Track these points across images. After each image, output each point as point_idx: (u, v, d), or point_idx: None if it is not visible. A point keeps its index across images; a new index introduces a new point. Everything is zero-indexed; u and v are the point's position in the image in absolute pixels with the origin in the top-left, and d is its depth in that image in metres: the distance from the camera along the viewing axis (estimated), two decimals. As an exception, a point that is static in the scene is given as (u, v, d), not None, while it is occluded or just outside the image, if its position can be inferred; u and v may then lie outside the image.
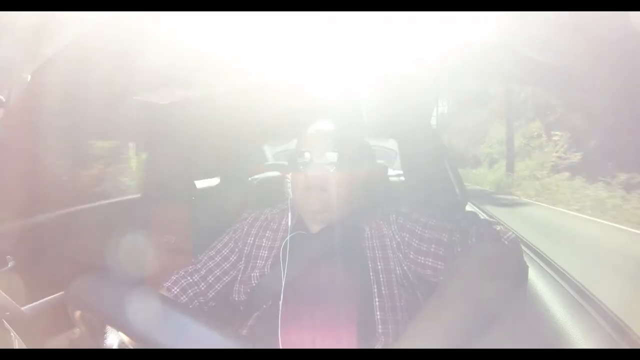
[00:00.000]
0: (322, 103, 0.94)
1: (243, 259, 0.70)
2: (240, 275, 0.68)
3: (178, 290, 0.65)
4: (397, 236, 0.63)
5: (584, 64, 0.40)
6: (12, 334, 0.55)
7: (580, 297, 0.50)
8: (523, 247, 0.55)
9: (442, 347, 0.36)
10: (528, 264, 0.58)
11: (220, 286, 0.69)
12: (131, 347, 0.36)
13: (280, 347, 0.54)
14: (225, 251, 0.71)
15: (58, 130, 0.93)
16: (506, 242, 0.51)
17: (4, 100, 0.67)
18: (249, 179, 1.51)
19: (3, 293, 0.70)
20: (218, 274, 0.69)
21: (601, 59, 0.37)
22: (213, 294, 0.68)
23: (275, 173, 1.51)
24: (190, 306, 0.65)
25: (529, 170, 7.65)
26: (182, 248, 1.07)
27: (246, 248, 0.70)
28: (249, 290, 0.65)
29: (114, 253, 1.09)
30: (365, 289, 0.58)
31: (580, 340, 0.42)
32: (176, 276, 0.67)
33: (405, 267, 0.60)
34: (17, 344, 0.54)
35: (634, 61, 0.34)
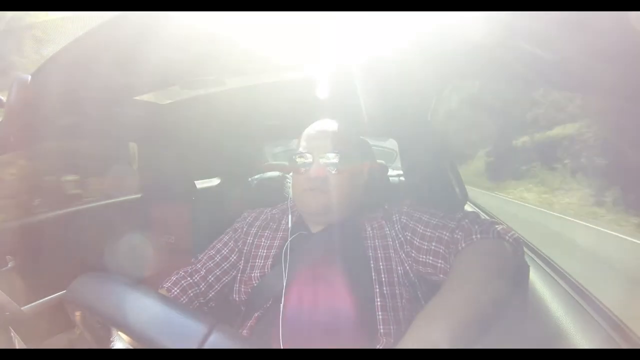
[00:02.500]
0: (322, 103, 0.94)
1: (243, 258, 0.70)
2: (240, 275, 0.68)
3: (178, 290, 0.65)
4: (400, 235, 0.63)
5: (585, 61, 0.40)
6: (12, 334, 0.55)
7: (580, 297, 0.50)
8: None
9: (450, 337, 0.37)
10: (528, 264, 0.58)
11: (220, 286, 0.69)
12: (131, 347, 0.36)
13: (281, 347, 0.54)
14: (225, 251, 0.71)
15: (58, 130, 0.93)
16: (510, 240, 0.51)
17: (4, 100, 0.67)
18: (249, 179, 1.51)
19: (3, 293, 0.70)
20: (218, 273, 0.69)
21: (601, 57, 0.37)
22: (213, 294, 0.68)
23: (276, 173, 1.51)
24: (190, 307, 0.65)
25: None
26: (182, 248, 1.07)
27: (245, 247, 0.70)
28: (249, 290, 0.65)
29: (114, 253, 1.10)
30: (366, 288, 0.58)
31: (580, 340, 0.42)
32: (176, 277, 0.67)
33: (407, 266, 0.60)
34: (17, 344, 0.54)
35: (633, 61, 0.34)
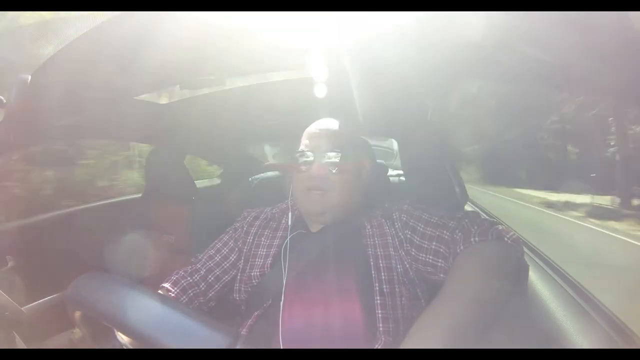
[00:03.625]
0: (323, 103, 0.94)
1: (242, 257, 0.70)
2: (240, 274, 0.68)
3: (178, 290, 0.65)
4: (399, 233, 0.63)
5: (585, 62, 0.40)
6: (12, 334, 0.55)
7: (580, 297, 0.51)
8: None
9: (447, 342, 0.36)
10: (528, 263, 0.58)
11: (220, 285, 0.69)
12: (131, 347, 0.36)
13: (281, 347, 0.54)
14: (225, 250, 0.71)
15: (58, 130, 0.93)
16: (509, 241, 0.51)
17: (4, 100, 0.67)
18: (249, 179, 1.51)
19: (3, 293, 0.70)
20: (218, 273, 0.69)
21: (601, 58, 0.37)
22: (213, 293, 0.68)
23: (276, 173, 1.51)
24: (190, 306, 0.65)
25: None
26: (182, 248, 1.07)
27: (245, 247, 0.70)
28: (249, 289, 0.65)
29: (114, 253, 1.10)
30: (366, 287, 0.58)
31: (580, 340, 0.42)
32: (176, 276, 0.67)
33: (407, 264, 0.60)
34: (17, 344, 0.54)
35: (633, 61, 0.34)
